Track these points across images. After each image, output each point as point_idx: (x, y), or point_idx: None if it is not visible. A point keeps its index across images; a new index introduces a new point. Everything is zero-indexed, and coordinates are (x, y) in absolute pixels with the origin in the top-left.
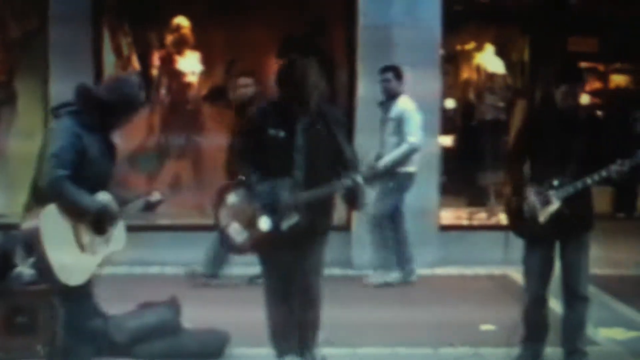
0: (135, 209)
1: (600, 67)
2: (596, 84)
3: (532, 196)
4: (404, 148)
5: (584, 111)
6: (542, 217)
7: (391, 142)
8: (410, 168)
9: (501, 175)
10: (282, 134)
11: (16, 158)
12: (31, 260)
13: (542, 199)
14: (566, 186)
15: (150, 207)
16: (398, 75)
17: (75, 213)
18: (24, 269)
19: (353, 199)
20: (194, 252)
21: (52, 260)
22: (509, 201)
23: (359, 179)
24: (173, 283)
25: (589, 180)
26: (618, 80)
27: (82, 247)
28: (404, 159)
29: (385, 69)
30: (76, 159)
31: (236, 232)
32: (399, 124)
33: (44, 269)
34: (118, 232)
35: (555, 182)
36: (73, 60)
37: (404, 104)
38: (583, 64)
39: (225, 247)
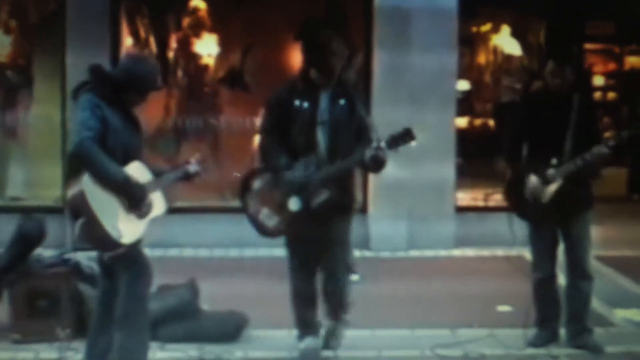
0: (173, 178)
1: (616, 49)
2: (611, 66)
3: (533, 177)
4: None
5: (581, 92)
6: (545, 197)
7: None
8: None
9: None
10: (306, 105)
11: (33, 141)
12: (80, 221)
13: (543, 179)
14: (565, 164)
15: (188, 177)
16: None
17: (101, 180)
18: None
19: (377, 165)
20: (213, 235)
21: (101, 219)
22: (510, 184)
23: (383, 144)
24: (192, 265)
25: (588, 157)
26: (633, 61)
27: (126, 209)
28: None
29: None
30: (100, 126)
31: (267, 217)
32: None
33: (93, 227)
34: (158, 197)
35: (554, 161)
36: (90, 43)
37: None
38: (599, 46)
39: (258, 233)
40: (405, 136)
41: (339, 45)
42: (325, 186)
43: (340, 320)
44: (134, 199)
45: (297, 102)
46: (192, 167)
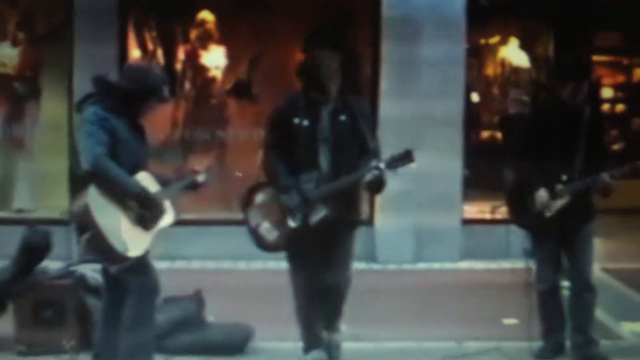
0: (181, 186)
1: (624, 61)
2: (620, 78)
3: (541, 191)
4: None
5: (592, 106)
6: (550, 211)
7: None
8: None
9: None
10: (306, 122)
11: (40, 152)
12: (86, 236)
13: (551, 193)
14: (575, 182)
15: (196, 186)
16: None
17: (117, 195)
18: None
19: (376, 187)
20: (220, 247)
21: (107, 232)
22: (513, 195)
23: (382, 165)
24: (199, 278)
25: (599, 181)
26: None
27: (132, 221)
28: None
29: None
30: (108, 140)
31: (267, 231)
32: None
33: (99, 242)
34: (166, 208)
35: (564, 177)
36: (98, 54)
37: None
38: (607, 58)
39: (257, 247)
40: (404, 158)
41: (330, 63)
42: (325, 203)
43: (337, 330)
44: (150, 211)
45: (297, 119)
46: (200, 176)
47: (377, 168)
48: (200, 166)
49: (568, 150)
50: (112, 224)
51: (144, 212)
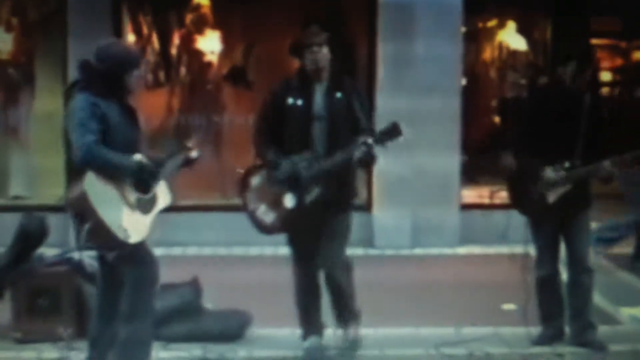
0: (175, 164)
1: (622, 44)
2: (618, 61)
3: (545, 177)
4: None
5: (591, 91)
6: (552, 197)
7: None
8: None
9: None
10: (300, 101)
11: (34, 140)
12: (86, 226)
13: (554, 180)
14: (578, 169)
15: (189, 162)
16: None
17: (114, 176)
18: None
19: (366, 162)
20: (216, 233)
21: (108, 221)
22: (513, 180)
23: (370, 140)
24: (195, 264)
25: (600, 168)
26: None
27: (131, 206)
28: None
29: None
30: (99, 126)
31: (264, 213)
32: None
33: (100, 231)
34: (162, 189)
35: (567, 164)
36: (92, 40)
37: None
38: (605, 41)
39: (257, 230)
40: (392, 132)
41: (316, 39)
42: (317, 183)
43: (349, 327)
44: (148, 185)
45: (290, 99)
46: (193, 152)
47: (366, 143)
48: (191, 142)
49: (569, 136)
50: (111, 211)
51: (146, 188)
